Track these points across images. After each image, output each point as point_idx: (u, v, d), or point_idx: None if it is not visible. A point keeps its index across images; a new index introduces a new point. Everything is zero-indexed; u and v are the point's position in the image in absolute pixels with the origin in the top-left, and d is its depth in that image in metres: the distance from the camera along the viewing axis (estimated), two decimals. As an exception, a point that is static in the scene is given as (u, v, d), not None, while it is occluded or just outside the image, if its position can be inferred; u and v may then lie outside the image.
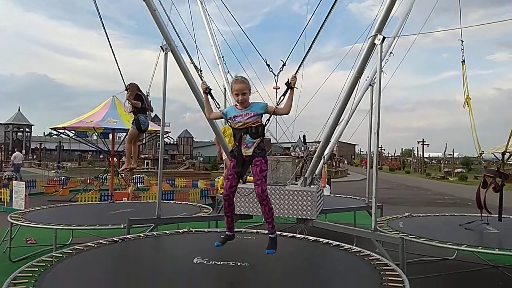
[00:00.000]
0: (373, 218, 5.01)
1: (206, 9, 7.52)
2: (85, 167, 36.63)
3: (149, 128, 13.79)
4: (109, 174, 14.34)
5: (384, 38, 4.81)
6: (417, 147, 55.82)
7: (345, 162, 57.48)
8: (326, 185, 11.44)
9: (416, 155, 56.90)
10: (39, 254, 5.82)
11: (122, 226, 5.71)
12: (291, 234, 5.15)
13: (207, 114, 3.81)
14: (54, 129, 14.25)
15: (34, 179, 18.01)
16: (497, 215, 6.08)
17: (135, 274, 3.68)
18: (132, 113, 6.92)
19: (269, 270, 3.63)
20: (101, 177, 16.11)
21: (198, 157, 52.26)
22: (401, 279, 3.37)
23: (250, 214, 5.89)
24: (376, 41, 4.77)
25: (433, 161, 65.96)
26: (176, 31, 5.29)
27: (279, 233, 5.12)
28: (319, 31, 5.52)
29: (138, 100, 6.71)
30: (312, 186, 5.78)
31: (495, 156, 8.12)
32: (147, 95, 7.12)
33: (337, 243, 4.63)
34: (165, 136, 7.85)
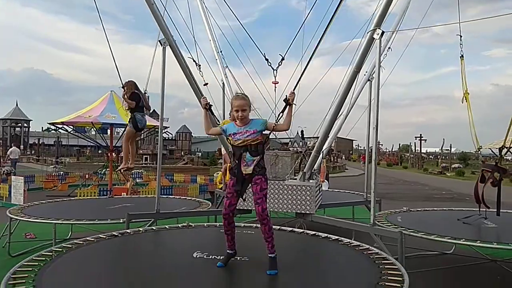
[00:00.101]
0: (372, 212, 5.03)
1: (204, 3, 7.47)
2: (84, 162, 36.61)
3: (147, 123, 13.80)
4: (107, 169, 14.34)
5: (383, 32, 4.80)
6: (415, 143, 56.02)
7: (343, 157, 57.54)
8: (325, 180, 11.45)
9: (414, 151, 57.03)
10: (39, 248, 5.82)
11: (121, 221, 5.71)
12: (290, 229, 5.17)
13: (206, 130, 3.73)
14: (53, 124, 14.21)
15: (33, 174, 18.00)
16: (495, 210, 6.09)
17: (135, 269, 3.68)
18: (128, 111, 6.85)
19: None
20: (99, 172, 16.11)
21: (197, 153, 52.22)
22: (400, 272, 3.39)
23: (249, 208, 5.90)
24: (375, 36, 4.76)
25: (431, 156, 66.15)
26: (174, 25, 5.26)
27: (278, 227, 5.18)
28: (324, 32, 5.44)
29: (135, 99, 6.61)
30: (311, 180, 5.78)
31: (492, 151, 8.15)
32: (145, 93, 7.05)
33: (336, 237, 4.64)
34: (163, 131, 7.83)
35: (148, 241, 4.80)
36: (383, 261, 3.76)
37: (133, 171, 17.65)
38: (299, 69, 5.68)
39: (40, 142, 53.41)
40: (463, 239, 5.12)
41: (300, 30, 5.94)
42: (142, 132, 13.60)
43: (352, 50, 5.86)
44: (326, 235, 4.77)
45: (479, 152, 6.94)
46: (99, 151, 46.67)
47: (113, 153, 14.05)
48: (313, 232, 4.92)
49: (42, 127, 59.81)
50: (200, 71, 5.14)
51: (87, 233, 5.78)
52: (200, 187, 13.73)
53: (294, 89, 4.06)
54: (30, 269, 3.35)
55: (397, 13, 7.18)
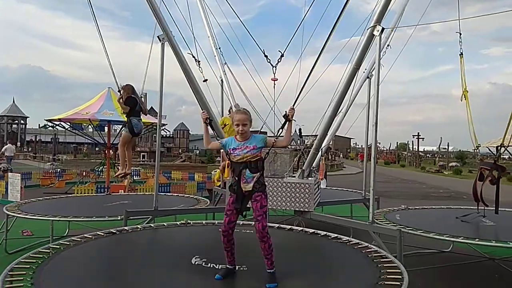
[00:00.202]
0: (371, 210, 5.02)
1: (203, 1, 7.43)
2: (81, 160, 36.51)
3: (145, 120, 13.73)
4: (105, 166, 14.29)
5: (383, 29, 4.78)
6: (412, 141, 56.06)
7: (341, 155, 57.56)
8: (323, 178, 11.45)
9: (411, 149, 57.12)
10: (36, 246, 5.79)
11: (119, 218, 5.68)
12: (289, 227, 5.16)
13: (205, 144, 3.72)
14: (50, 120, 14.13)
15: (30, 171, 17.93)
16: (494, 208, 6.10)
17: (133, 266, 3.67)
18: (125, 115, 6.74)
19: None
20: (97, 169, 16.06)
21: (194, 150, 52.15)
22: (399, 270, 3.38)
23: (248, 206, 5.87)
24: (375, 32, 4.75)
25: (428, 155, 66.29)
26: (173, 20, 5.23)
27: (276, 225, 5.17)
28: (330, 34, 5.40)
29: (131, 103, 6.49)
30: (309, 178, 5.77)
31: (489, 150, 8.17)
32: (141, 97, 6.96)
33: (335, 235, 4.63)
34: (161, 128, 7.79)
35: (147, 238, 4.78)
36: (382, 259, 3.76)
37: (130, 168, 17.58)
38: (298, 67, 5.68)
39: (37, 139, 53.21)
40: (462, 237, 5.12)
41: (299, 27, 5.92)
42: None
43: (350, 48, 5.86)
44: (325, 233, 4.76)
45: (478, 150, 6.93)
46: (96, 149, 46.54)
47: (111, 150, 13.98)
48: (312, 230, 4.91)
49: (39, 124, 59.76)
50: (199, 67, 5.10)
51: (85, 230, 5.75)
52: (198, 185, 13.71)
53: (294, 105, 4.00)
54: (28, 266, 3.32)
55: (396, 10, 7.18)
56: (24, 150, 52.15)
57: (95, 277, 3.34)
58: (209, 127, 3.70)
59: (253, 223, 3.38)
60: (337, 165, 38.48)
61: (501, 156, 6.56)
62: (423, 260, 6.16)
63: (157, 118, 16.50)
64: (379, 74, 4.85)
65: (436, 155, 60.25)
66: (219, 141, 3.61)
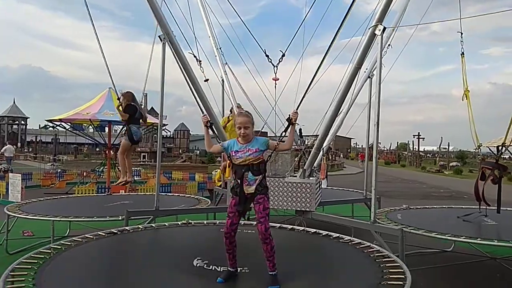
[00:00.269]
0: (373, 210, 5.01)
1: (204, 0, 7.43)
2: (81, 160, 36.50)
3: (147, 121, 13.67)
4: (105, 166, 14.27)
5: (385, 28, 4.77)
6: (413, 141, 56.04)
7: (341, 155, 57.55)
8: (325, 178, 11.43)
9: (412, 149, 57.10)
10: (37, 246, 5.78)
11: (120, 218, 5.67)
12: (291, 227, 5.15)
13: (207, 147, 3.71)
14: (50, 121, 14.11)
15: (30, 171, 17.92)
16: (495, 207, 6.09)
17: (134, 266, 3.66)
18: (124, 123, 6.68)
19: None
20: (97, 169, 16.04)
21: (195, 150, 52.16)
22: (402, 270, 3.37)
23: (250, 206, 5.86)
24: (377, 31, 4.74)
25: (428, 155, 66.29)
26: (174, 20, 5.22)
27: (278, 225, 5.16)
28: (335, 36, 5.39)
29: (130, 110, 6.44)
30: (311, 178, 5.76)
31: (490, 150, 8.16)
32: (141, 104, 6.92)
33: (337, 235, 4.62)
34: (162, 128, 7.76)
35: (148, 238, 4.77)
36: (384, 259, 3.75)
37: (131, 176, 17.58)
38: (299, 67, 5.67)
39: (37, 140, 53.22)
40: (464, 237, 5.12)
41: (299, 28, 5.90)
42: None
43: (350, 48, 5.85)
44: (326, 232, 4.75)
45: (479, 150, 6.92)
46: (97, 149, 46.53)
47: (111, 151, 13.97)
48: (314, 230, 4.90)
49: (40, 125, 59.86)
50: (200, 67, 5.09)
51: (86, 230, 5.74)
52: (199, 185, 13.69)
53: (297, 109, 3.99)
54: (29, 266, 3.32)
55: (397, 10, 7.16)
56: (25, 150, 52.19)
57: (96, 278, 3.33)
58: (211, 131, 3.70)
59: (255, 223, 3.37)
60: (338, 165, 38.48)
61: (502, 156, 6.54)
62: (425, 259, 6.14)
63: (157, 119, 16.43)
64: (380, 73, 4.84)
65: (436, 155, 60.22)
66: (221, 143, 3.59)
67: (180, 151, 49.11)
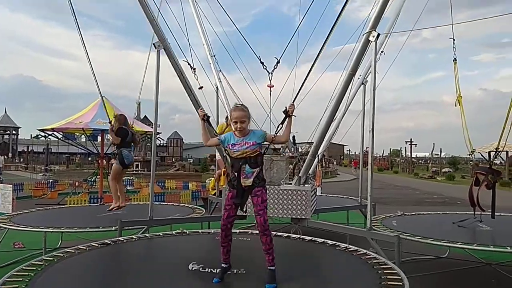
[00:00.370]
0: (369, 217, 4.99)
1: (198, 8, 7.44)
2: (74, 170, 36.17)
3: (138, 129, 13.59)
4: (98, 176, 14.14)
5: (378, 34, 4.81)
6: (405, 147, 56.43)
7: (335, 162, 57.69)
8: (320, 185, 11.42)
9: (404, 155, 57.43)
10: (28, 258, 5.65)
11: (113, 229, 5.60)
12: (286, 234, 5.11)
13: (204, 141, 3.67)
14: (42, 130, 13.98)
15: (22, 182, 17.71)
16: (490, 213, 6.10)
17: (129, 277, 3.59)
18: (115, 146, 6.64)
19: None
20: (90, 179, 15.89)
21: (188, 159, 52.00)
22: (400, 277, 3.35)
23: (244, 214, 5.82)
24: (371, 38, 4.77)
25: (421, 161, 66.68)
26: (168, 27, 5.21)
27: (273, 233, 5.11)
28: (324, 42, 5.44)
29: (122, 134, 6.41)
30: (306, 185, 5.73)
31: (481, 155, 8.21)
32: (132, 126, 6.88)
33: (333, 242, 4.60)
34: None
35: (143, 249, 4.70)
36: (381, 266, 3.73)
37: (123, 178, 17.44)
38: (293, 74, 5.68)
39: (29, 150, 52.70)
40: (460, 243, 5.11)
41: (293, 36, 5.93)
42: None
43: (343, 55, 5.89)
44: (323, 240, 4.72)
45: (473, 155, 6.96)
46: (89, 158, 46.22)
47: (104, 160, 13.84)
48: (310, 238, 4.87)
49: (31, 135, 59.34)
50: (195, 74, 5.09)
51: (78, 241, 5.65)
52: (193, 194, 13.61)
53: (293, 101, 4.01)
54: (21, 279, 3.24)
55: (389, 17, 7.23)
56: (16, 161, 51.63)
57: (90, 290, 3.26)
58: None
59: (254, 219, 3.35)
60: (331, 172, 38.57)
61: (494, 161, 6.59)
62: (420, 266, 6.12)
63: (150, 127, 16.32)
64: (375, 79, 4.86)
65: (428, 161, 60.55)
66: (218, 137, 3.61)
67: (174, 160, 48.93)
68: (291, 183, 5.79)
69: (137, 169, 33.79)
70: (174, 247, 4.78)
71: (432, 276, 5.74)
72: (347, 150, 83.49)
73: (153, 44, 5.09)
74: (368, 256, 4.06)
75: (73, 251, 4.17)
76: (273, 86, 5.78)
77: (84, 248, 4.31)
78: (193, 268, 3.59)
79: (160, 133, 16.87)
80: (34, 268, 3.53)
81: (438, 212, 8.38)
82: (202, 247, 4.74)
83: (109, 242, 4.62)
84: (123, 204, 7.11)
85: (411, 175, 42.53)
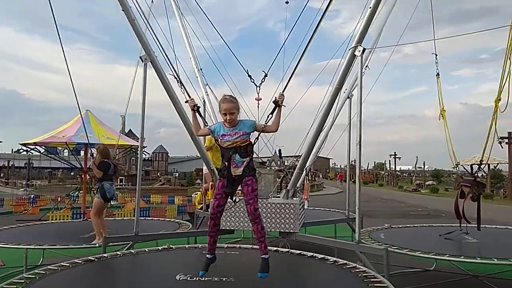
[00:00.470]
0: (357, 230, 4.98)
1: (184, 20, 7.46)
2: (56, 185, 35.41)
3: (123, 143, 13.40)
4: (81, 191, 13.87)
5: (364, 49, 4.88)
6: (389, 160, 57.05)
7: (320, 176, 57.90)
8: (308, 198, 11.40)
9: (388, 168, 58.04)
10: (8, 277, 5.47)
11: (97, 245, 5.46)
12: (275, 248, 5.05)
13: (194, 131, 3.75)
14: (25, 144, 13.69)
15: (2, 197, 17.28)
16: (476, 225, 6.15)
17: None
18: (97, 180, 6.59)
19: (256, 285, 3.50)
20: (72, 194, 15.58)
21: (174, 173, 51.52)
22: (390, 290, 3.33)
23: (232, 228, 5.75)
24: (357, 52, 4.84)
25: (405, 174, 67.47)
26: (155, 41, 5.19)
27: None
28: (303, 52, 5.53)
29: (104, 168, 6.39)
30: (294, 198, 5.70)
31: (464, 168, 8.34)
32: (114, 157, 6.85)
33: (322, 256, 4.56)
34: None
35: (128, 265, 4.59)
36: (371, 280, 3.70)
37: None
38: (280, 88, 5.69)
39: (10, 165, 51.50)
40: (448, 255, 5.13)
41: (279, 52, 5.98)
42: (117, 152, 13.17)
43: (328, 70, 5.99)
44: (311, 254, 4.69)
45: (457, 168, 7.05)
46: (72, 173, 45.39)
47: (87, 175, 13.59)
48: (299, 252, 4.83)
49: (12, 149, 58.11)
50: (181, 88, 5.09)
51: (60, 258, 5.48)
52: (178, 208, 13.46)
53: (283, 91, 4.10)
54: (0, 298, 3.11)
55: (372, 35, 7.36)
56: (-4, 176, 50.34)
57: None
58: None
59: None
60: (317, 185, 38.63)
61: (474, 174, 6.70)
62: (408, 279, 6.12)
63: (135, 141, 16.13)
64: (361, 93, 4.91)
65: (412, 174, 61.34)
66: (208, 127, 3.63)
67: (159, 174, 48.40)
68: (279, 197, 5.76)
69: (121, 183, 33.27)
70: (161, 262, 4.67)
71: (420, 289, 5.75)
72: (332, 164, 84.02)
73: (140, 57, 5.07)
74: (358, 270, 4.04)
75: (55, 268, 4.04)
76: (261, 99, 5.80)
77: (67, 265, 4.18)
78: (181, 279, 3.56)
79: (146, 146, 16.69)
80: (15, 287, 3.40)
81: (425, 225, 8.44)
82: (190, 261, 4.65)
83: (93, 258, 4.50)
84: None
85: (395, 188, 42.95)
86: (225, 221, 5.66)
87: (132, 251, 5.12)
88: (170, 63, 5.03)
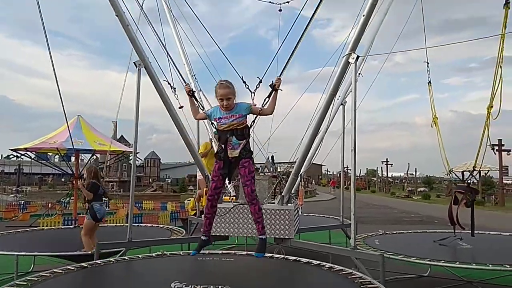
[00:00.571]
0: (353, 236, 4.96)
1: (178, 27, 7.46)
2: (46, 191, 35.03)
3: (115, 149, 13.30)
4: (72, 197, 13.72)
5: (358, 56, 4.90)
6: (381, 167, 57.32)
7: (313, 182, 57.96)
8: (303, 204, 11.36)
9: (381, 175, 58.30)
10: (-2, 283, 5.37)
11: (90, 252, 5.37)
12: (270, 255, 5.02)
13: (193, 115, 3.82)
14: (15, 150, 13.53)
15: (-9, 204, 17.02)
16: (470, 231, 6.18)
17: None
18: (86, 201, 6.58)
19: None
20: (63, 200, 15.41)
21: (166, 179, 51.22)
22: (387, 297, 3.31)
23: (226, 234, 5.70)
24: (351, 60, 4.86)
25: (397, 180, 67.86)
26: (149, 47, 5.18)
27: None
28: (293, 52, 5.56)
29: (93, 189, 6.40)
30: (289, 204, 5.68)
31: (456, 175, 8.41)
32: (103, 178, 6.85)
33: (318, 262, 4.54)
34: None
35: (121, 271, 4.53)
36: (368, 286, 3.70)
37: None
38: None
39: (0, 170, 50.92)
40: (443, 261, 5.15)
41: (272, 61, 5.99)
42: (109, 158, 13.03)
43: (321, 77, 6.04)
44: (307, 260, 4.67)
45: (450, 175, 7.10)
46: (62, 179, 44.94)
47: (78, 181, 13.45)
48: (294, 258, 4.80)
49: (2, 155, 57.40)
50: (175, 94, 5.10)
51: (51, 265, 5.40)
52: (171, 215, 13.35)
53: (280, 75, 4.18)
54: (-9, 306, 3.04)
55: (365, 43, 7.43)
56: (-15, 182, 49.61)
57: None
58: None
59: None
60: (310, 191, 38.64)
61: (467, 181, 6.77)
62: (403, 285, 6.14)
63: (128, 146, 16.01)
64: (355, 99, 4.92)
65: (404, 181, 61.69)
66: (204, 111, 3.70)
67: (151, 180, 48.08)
68: (273, 203, 5.73)
69: (112, 189, 33.01)
70: (155, 269, 4.61)
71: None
72: (325, 170, 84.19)
73: (134, 62, 5.04)
74: (354, 276, 4.03)
75: (48, 274, 3.97)
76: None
77: (60, 271, 4.10)
78: (176, 286, 3.52)
79: (138, 152, 16.58)
80: (6, 294, 3.33)
81: (419, 231, 8.47)
82: (184, 268, 4.60)
83: (85, 265, 4.43)
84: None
85: (388, 195, 43.11)
86: (219, 227, 5.61)
87: (125, 257, 5.05)
88: (162, 71, 5.04)
